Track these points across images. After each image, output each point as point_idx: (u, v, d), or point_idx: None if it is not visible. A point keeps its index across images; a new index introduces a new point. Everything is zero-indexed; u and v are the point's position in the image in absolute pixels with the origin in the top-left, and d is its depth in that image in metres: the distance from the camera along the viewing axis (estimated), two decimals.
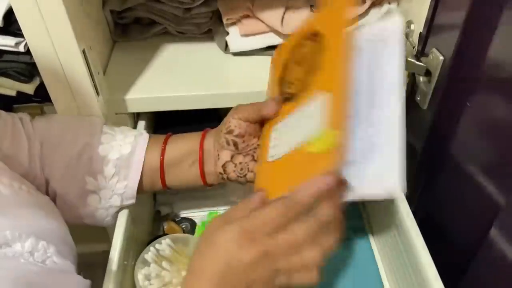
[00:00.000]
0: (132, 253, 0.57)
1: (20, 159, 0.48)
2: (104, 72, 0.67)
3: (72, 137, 0.52)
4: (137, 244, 0.57)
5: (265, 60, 0.70)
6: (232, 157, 0.53)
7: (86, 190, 0.52)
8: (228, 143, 0.52)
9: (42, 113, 0.60)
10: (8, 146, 0.47)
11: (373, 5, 0.69)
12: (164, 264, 0.55)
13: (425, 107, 0.55)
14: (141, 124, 0.68)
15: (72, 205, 0.52)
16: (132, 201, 0.54)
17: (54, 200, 0.51)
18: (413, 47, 0.56)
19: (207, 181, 0.55)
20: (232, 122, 0.52)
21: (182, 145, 0.55)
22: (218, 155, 0.53)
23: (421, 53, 0.55)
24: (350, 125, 0.41)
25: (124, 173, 0.52)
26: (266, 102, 0.53)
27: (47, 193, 0.51)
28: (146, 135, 0.56)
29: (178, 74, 0.68)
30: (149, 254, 0.56)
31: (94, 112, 0.57)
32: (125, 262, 0.54)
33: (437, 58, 0.50)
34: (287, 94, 0.51)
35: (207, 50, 0.73)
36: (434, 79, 0.52)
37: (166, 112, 0.74)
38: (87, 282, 0.44)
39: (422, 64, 0.53)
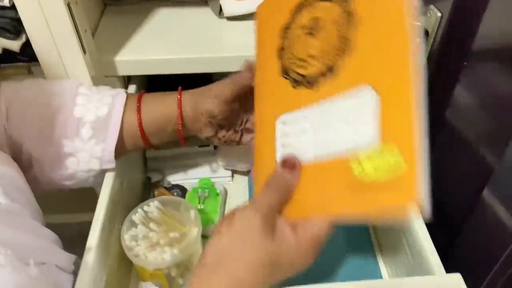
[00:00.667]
0: (120, 218, 0.56)
1: None
2: (94, 34, 0.66)
3: (45, 98, 0.50)
4: (126, 210, 0.56)
5: None
6: (216, 132, 0.54)
7: (64, 153, 0.50)
8: (212, 125, 0.53)
9: (29, 73, 0.59)
10: None
11: None
12: (152, 225, 0.55)
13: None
14: (132, 88, 0.67)
15: (50, 168, 0.51)
16: (112, 164, 0.53)
17: (30, 164, 0.50)
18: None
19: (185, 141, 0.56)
20: (214, 110, 0.51)
21: (159, 109, 0.53)
22: (201, 129, 0.54)
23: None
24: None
25: (102, 135, 0.51)
26: (239, 73, 0.51)
27: (20, 157, 0.49)
28: (123, 95, 0.53)
29: (171, 38, 0.66)
30: (137, 215, 0.55)
31: (81, 73, 0.56)
32: (112, 225, 0.53)
33: (435, 15, 0.49)
34: (295, 74, 0.40)
35: (201, 15, 0.72)
36: (431, 38, 0.50)
37: (158, 78, 0.73)
38: (52, 234, 0.44)
39: (419, 24, 0.52)
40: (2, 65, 0.58)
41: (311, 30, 0.39)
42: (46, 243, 0.43)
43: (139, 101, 0.53)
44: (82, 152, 0.50)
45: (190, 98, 0.53)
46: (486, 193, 0.44)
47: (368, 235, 0.61)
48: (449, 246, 0.49)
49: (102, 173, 0.53)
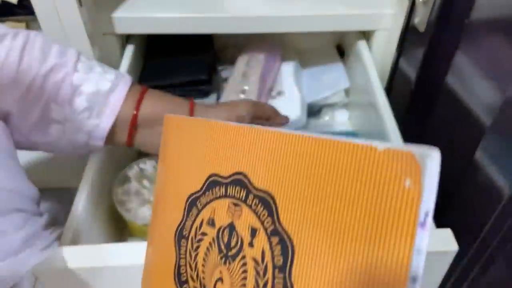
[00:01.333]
0: (112, 174, 0.56)
1: None
2: None
3: (40, 54, 0.44)
4: (120, 167, 0.56)
5: None
6: None
7: (49, 118, 0.45)
8: None
9: (27, 27, 0.59)
10: None
11: None
12: (145, 182, 0.55)
13: (422, 29, 0.52)
14: (130, 48, 0.67)
15: (29, 131, 0.45)
16: (100, 143, 0.47)
17: (5, 120, 0.44)
18: None
19: None
20: (244, 113, 0.50)
21: (161, 108, 0.48)
22: None
23: None
24: None
25: (98, 110, 0.46)
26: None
27: None
28: (128, 78, 0.49)
29: None
30: (132, 171, 0.55)
31: (77, 27, 0.56)
32: (103, 181, 0.53)
33: None
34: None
35: None
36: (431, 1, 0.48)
37: (158, 40, 0.73)
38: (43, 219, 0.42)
39: None
40: (1, 18, 0.58)
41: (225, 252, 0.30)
42: (30, 250, 0.39)
43: (141, 94, 0.48)
44: (70, 122, 0.45)
45: (204, 109, 0.51)
46: (478, 154, 0.43)
47: None
48: (445, 205, 0.48)
49: (85, 147, 0.48)
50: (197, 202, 0.32)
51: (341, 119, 0.75)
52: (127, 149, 0.58)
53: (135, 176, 0.55)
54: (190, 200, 0.32)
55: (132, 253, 0.40)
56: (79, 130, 0.46)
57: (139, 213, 0.52)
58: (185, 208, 0.33)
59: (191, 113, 0.49)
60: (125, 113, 0.47)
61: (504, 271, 0.43)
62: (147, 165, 0.57)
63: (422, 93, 0.56)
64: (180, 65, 0.71)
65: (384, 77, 0.68)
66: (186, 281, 0.32)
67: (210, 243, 0.30)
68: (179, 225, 0.33)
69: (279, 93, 0.72)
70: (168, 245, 0.33)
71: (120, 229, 0.57)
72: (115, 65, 0.65)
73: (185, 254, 0.32)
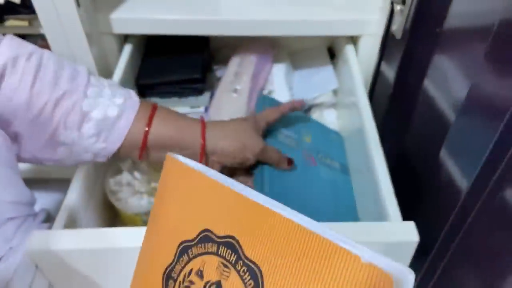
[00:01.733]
0: (105, 168, 0.60)
1: None
2: None
3: (53, 79, 0.45)
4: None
5: None
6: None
7: (57, 141, 0.46)
8: (219, 163, 0.53)
9: (30, 25, 0.62)
10: None
11: None
12: (136, 174, 0.58)
13: (399, 36, 0.55)
14: (128, 47, 0.70)
15: (37, 150, 0.47)
16: (104, 159, 0.50)
17: (14, 140, 0.45)
18: None
19: None
20: (251, 159, 0.53)
21: (172, 131, 0.50)
22: (207, 161, 0.52)
23: None
24: None
25: (105, 136, 0.47)
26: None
27: (3, 128, 0.43)
28: (136, 100, 0.50)
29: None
30: (125, 163, 0.59)
31: (75, 27, 0.59)
32: (97, 173, 0.57)
33: None
34: None
35: None
36: (408, 6, 0.51)
37: (156, 39, 0.76)
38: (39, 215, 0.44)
39: None
40: (6, 16, 0.61)
41: None
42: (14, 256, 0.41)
43: (152, 113, 0.50)
44: (77, 146, 0.47)
45: (216, 130, 0.52)
46: (443, 152, 0.46)
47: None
48: (413, 200, 0.51)
49: (90, 162, 0.51)
50: (189, 251, 0.33)
51: (329, 118, 0.78)
52: None
53: (127, 168, 0.59)
54: (182, 246, 0.33)
55: (122, 237, 0.43)
56: (86, 152, 0.48)
57: (129, 202, 0.56)
58: (176, 253, 0.33)
59: (203, 135, 0.51)
60: (134, 136, 0.49)
61: (465, 265, 0.46)
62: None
63: (399, 95, 0.59)
64: (176, 64, 0.75)
65: (369, 79, 0.71)
66: None
67: None
68: (168, 266, 0.34)
69: (270, 92, 0.76)
70: (155, 280, 0.34)
71: (111, 218, 0.61)
72: (113, 64, 0.69)
73: None
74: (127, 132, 0.48)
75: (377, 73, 0.67)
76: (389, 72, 0.61)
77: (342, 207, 0.59)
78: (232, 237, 0.30)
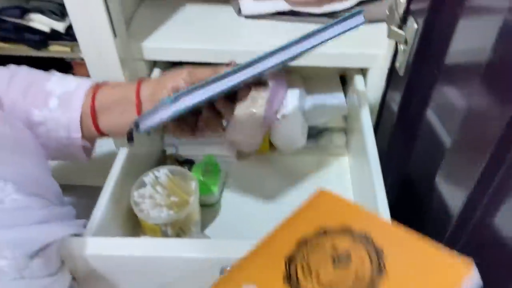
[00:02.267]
0: (132, 180, 0.66)
1: None
2: (129, 22, 0.76)
3: (25, 75, 0.56)
4: (140, 175, 0.66)
5: (273, 24, 0.77)
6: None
7: (34, 122, 0.54)
8: None
9: (72, 51, 0.70)
10: None
11: None
12: (158, 188, 0.64)
13: (401, 73, 0.60)
14: (156, 72, 0.77)
15: None
16: (77, 135, 0.55)
17: None
18: (399, 18, 0.61)
19: None
20: (181, 83, 0.51)
21: (114, 92, 0.56)
22: None
23: (402, 22, 0.59)
24: None
25: (67, 105, 0.54)
26: (222, 66, 0.53)
27: None
28: (92, 79, 0.58)
29: (195, 30, 0.75)
30: (148, 177, 0.65)
31: (112, 54, 0.66)
32: (124, 185, 0.64)
33: (412, 26, 0.55)
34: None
35: (223, 12, 0.81)
36: (409, 47, 0.57)
37: (181, 64, 0.83)
38: (68, 209, 0.50)
39: (402, 33, 0.58)
40: (50, 42, 0.69)
41: (337, 259, 0.39)
42: (59, 224, 0.48)
43: (98, 86, 0.56)
44: (50, 121, 0.54)
45: (151, 81, 0.56)
46: (438, 177, 0.51)
47: None
48: (410, 225, 0.56)
49: (70, 144, 0.56)
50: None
51: (338, 141, 0.83)
52: (145, 157, 0.69)
53: (150, 182, 0.65)
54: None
55: (142, 247, 0.49)
56: (58, 126, 0.55)
57: (150, 214, 0.62)
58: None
59: (138, 87, 0.54)
60: (87, 105, 0.55)
61: None
62: (160, 173, 0.67)
63: (402, 124, 0.64)
64: None
65: (376, 108, 0.76)
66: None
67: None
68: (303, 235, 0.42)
69: (283, 117, 0.81)
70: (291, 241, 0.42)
71: (134, 226, 0.67)
72: None
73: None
74: (83, 100, 0.54)
75: (383, 103, 0.72)
76: (394, 103, 0.66)
77: None
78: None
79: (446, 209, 0.49)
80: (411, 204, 0.59)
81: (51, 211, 0.48)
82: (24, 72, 0.57)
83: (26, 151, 0.50)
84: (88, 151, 0.60)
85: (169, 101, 0.43)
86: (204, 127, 0.54)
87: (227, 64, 0.53)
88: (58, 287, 0.46)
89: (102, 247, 0.49)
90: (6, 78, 0.55)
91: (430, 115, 0.55)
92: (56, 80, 0.56)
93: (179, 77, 0.52)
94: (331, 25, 0.47)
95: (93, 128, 0.56)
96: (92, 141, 0.59)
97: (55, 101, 0.54)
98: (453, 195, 0.48)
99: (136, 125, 0.47)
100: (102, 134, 0.57)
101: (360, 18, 0.49)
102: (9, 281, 0.39)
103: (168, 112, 0.44)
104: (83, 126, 0.56)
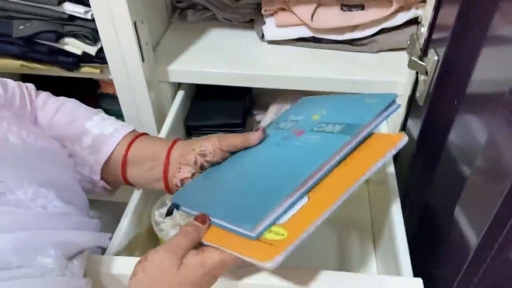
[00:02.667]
0: (154, 199, 0.68)
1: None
2: (156, 46, 0.79)
3: (72, 109, 0.58)
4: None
5: (295, 50, 0.79)
6: (192, 175, 0.55)
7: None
8: (195, 163, 0.54)
9: (101, 72, 0.73)
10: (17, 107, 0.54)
11: (400, 9, 0.75)
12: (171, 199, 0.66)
13: (421, 103, 0.61)
14: (180, 94, 0.79)
15: None
16: (97, 177, 0.57)
17: None
18: (420, 49, 0.62)
19: (166, 185, 0.57)
20: (209, 147, 0.53)
21: (148, 146, 0.57)
22: (180, 168, 0.55)
23: (423, 54, 0.60)
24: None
25: (97, 148, 0.56)
26: (253, 132, 0.55)
27: None
28: (131, 127, 0.59)
29: (219, 54, 0.78)
30: (169, 197, 0.67)
31: (139, 77, 0.69)
32: (146, 204, 0.65)
33: (433, 58, 0.56)
34: None
35: (247, 37, 0.83)
36: (429, 78, 0.57)
37: (204, 87, 0.85)
38: (95, 221, 0.52)
39: (423, 63, 0.59)
40: (81, 64, 0.72)
41: None
42: (91, 233, 0.50)
43: (134, 138, 0.57)
44: (77, 157, 0.56)
45: (184, 142, 0.57)
46: (457, 208, 0.51)
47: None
48: (428, 256, 0.56)
49: (90, 182, 0.58)
50: None
51: None
52: None
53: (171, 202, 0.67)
54: None
55: None
56: (84, 164, 0.57)
57: (170, 233, 0.63)
58: None
59: (171, 148, 0.55)
60: (119, 153, 0.56)
61: None
62: None
63: (421, 153, 0.65)
64: (220, 109, 0.84)
65: None
66: None
67: None
68: None
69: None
70: None
71: (154, 246, 0.69)
72: (167, 107, 0.79)
73: None
74: (115, 147, 0.56)
75: (403, 130, 0.73)
76: (414, 132, 0.67)
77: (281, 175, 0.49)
78: None
79: (464, 241, 0.49)
80: (429, 234, 0.59)
81: (84, 220, 0.50)
82: (71, 105, 0.60)
83: (64, 164, 0.53)
84: (110, 191, 0.62)
85: None
86: None
87: (257, 129, 0.55)
88: None
89: (125, 267, 0.50)
90: (54, 108, 0.58)
91: (450, 145, 0.55)
92: (96, 121, 0.58)
93: (208, 142, 0.54)
94: (371, 121, 0.49)
95: (120, 176, 0.58)
96: (115, 185, 0.61)
97: (88, 140, 0.56)
98: (471, 227, 0.48)
99: (176, 206, 0.53)
100: (127, 183, 0.59)
101: (394, 106, 0.51)
102: (54, 277, 0.41)
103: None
104: (110, 171, 0.57)
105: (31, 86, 0.59)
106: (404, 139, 0.47)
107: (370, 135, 0.49)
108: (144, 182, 0.58)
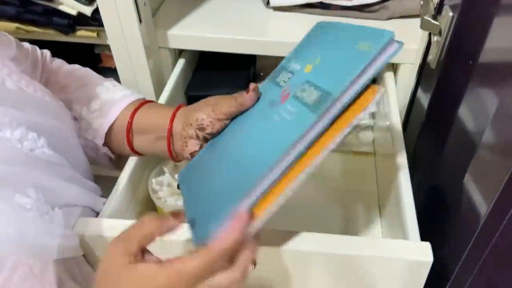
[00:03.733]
0: (150, 169, 0.65)
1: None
2: (156, 11, 0.76)
3: (83, 75, 0.59)
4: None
5: (302, 16, 0.76)
6: (200, 146, 0.52)
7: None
8: (197, 137, 0.51)
9: (98, 36, 0.70)
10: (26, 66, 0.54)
11: None
12: (177, 176, 0.63)
13: (433, 66, 0.57)
14: (181, 62, 0.76)
15: None
16: (101, 141, 0.56)
17: None
18: (434, 8, 0.58)
19: (175, 157, 0.55)
20: (205, 120, 0.49)
21: (152, 115, 0.55)
22: (186, 143, 0.52)
23: (437, 12, 0.56)
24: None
25: (105, 112, 0.55)
26: (244, 94, 0.49)
27: None
28: (141, 96, 0.58)
29: (222, 20, 0.75)
30: (167, 165, 0.64)
31: (136, 40, 0.66)
32: (142, 171, 0.63)
33: (447, 15, 0.52)
34: None
35: (252, 3, 0.80)
36: (443, 37, 0.54)
37: (207, 55, 0.82)
38: (93, 185, 0.50)
39: (436, 23, 0.55)
40: (77, 27, 0.70)
41: None
42: (83, 190, 0.48)
43: (139, 106, 0.56)
44: (83, 120, 0.56)
45: (184, 112, 0.53)
46: (467, 177, 0.48)
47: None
48: (437, 224, 0.53)
49: (93, 147, 0.57)
50: None
51: (364, 139, 0.80)
52: None
53: (169, 170, 0.64)
54: None
55: None
56: (89, 128, 0.56)
57: (168, 201, 0.61)
58: None
59: (173, 116, 0.53)
60: (124, 119, 0.55)
61: None
62: (181, 162, 0.66)
63: (431, 122, 0.61)
64: (224, 78, 0.80)
65: (406, 105, 0.73)
66: None
67: None
68: None
69: None
70: None
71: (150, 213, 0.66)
72: (167, 75, 0.76)
73: None
74: (120, 112, 0.55)
75: (413, 100, 0.69)
76: (424, 100, 0.63)
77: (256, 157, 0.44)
78: None
79: (473, 211, 0.46)
80: (438, 204, 0.56)
81: (77, 176, 0.49)
82: (84, 70, 0.61)
83: (64, 121, 0.51)
84: (114, 161, 0.60)
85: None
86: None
87: (248, 90, 0.49)
88: (72, 244, 0.45)
89: (116, 228, 0.48)
90: (68, 72, 0.59)
91: (462, 112, 0.52)
92: (107, 86, 0.58)
93: (204, 114, 0.50)
94: (369, 64, 0.40)
95: (126, 144, 0.56)
96: (119, 155, 0.59)
97: (97, 104, 0.56)
98: (481, 197, 0.45)
99: (192, 223, 0.43)
100: (135, 152, 0.57)
101: (393, 47, 0.42)
102: (32, 217, 0.39)
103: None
104: (115, 138, 0.56)
105: (46, 51, 0.60)
106: (380, 92, 0.41)
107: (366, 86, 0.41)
108: (151, 152, 0.57)
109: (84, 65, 0.62)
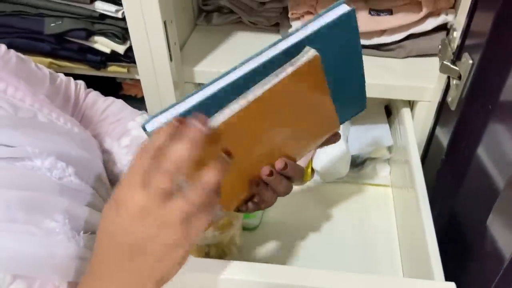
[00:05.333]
0: None
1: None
2: (182, 47, 0.79)
3: (117, 110, 0.60)
4: None
5: None
6: None
7: (102, 148, 0.57)
8: None
9: (128, 72, 0.73)
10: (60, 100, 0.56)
11: (430, 14, 0.74)
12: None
13: (453, 108, 0.60)
14: None
15: None
16: None
17: None
18: (452, 53, 0.61)
19: None
20: None
21: None
22: None
23: (456, 58, 0.59)
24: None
25: (134, 149, 0.56)
26: None
27: None
28: None
29: (244, 56, 0.77)
30: None
31: (166, 76, 0.69)
32: None
33: (467, 62, 0.55)
34: None
35: (272, 41, 0.82)
36: (463, 82, 0.56)
37: None
38: (97, 200, 0.50)
39: (456, 68, 0.58)
40: (109, 63, 0.73)
41: None
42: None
43: None
44: (114, 154, 0.58)
45: None
46: (490, 219, 0.49)
47: None
48: (459, 263, 0.54)
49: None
50: None
51: (382, 172, 0.82)
52: None
53: None
54: None
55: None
56: (117, 163, 0.57)
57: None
58: None
59: None
60: None
61: None
62: None
63: (452, 161, 0.63)
64: None
65: (423, 141, 0.75)
66: None
67: None
68: None
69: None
70: None
71: None
72: None
73: None
74: None
75: (431, 137, 0.72)
76: (443, 137, 0.66)
77: None
78: None
79: (497, 252, 0.48)
80: (458, 241, 0.58)
81: (104, 205, 0.49)
82: (119, 105, 0.62)
83: (91, 152, 0.52)
84: None
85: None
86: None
87: None
88: None
89: None
90: (103, 107, 0.61)
91: (484, 153, 0.54)
92: (139, 122, 0.59)
93: None
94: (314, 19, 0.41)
95: None
96: None
97: (127, 140, 0.58)
98: (506, 239, 0.47)
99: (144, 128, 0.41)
100: None
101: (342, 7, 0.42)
102: (60, 240, 0.41)
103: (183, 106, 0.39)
104: None
105: (81, 82, 0.62)
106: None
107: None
108: None
109: (105, 91, 0.65)
